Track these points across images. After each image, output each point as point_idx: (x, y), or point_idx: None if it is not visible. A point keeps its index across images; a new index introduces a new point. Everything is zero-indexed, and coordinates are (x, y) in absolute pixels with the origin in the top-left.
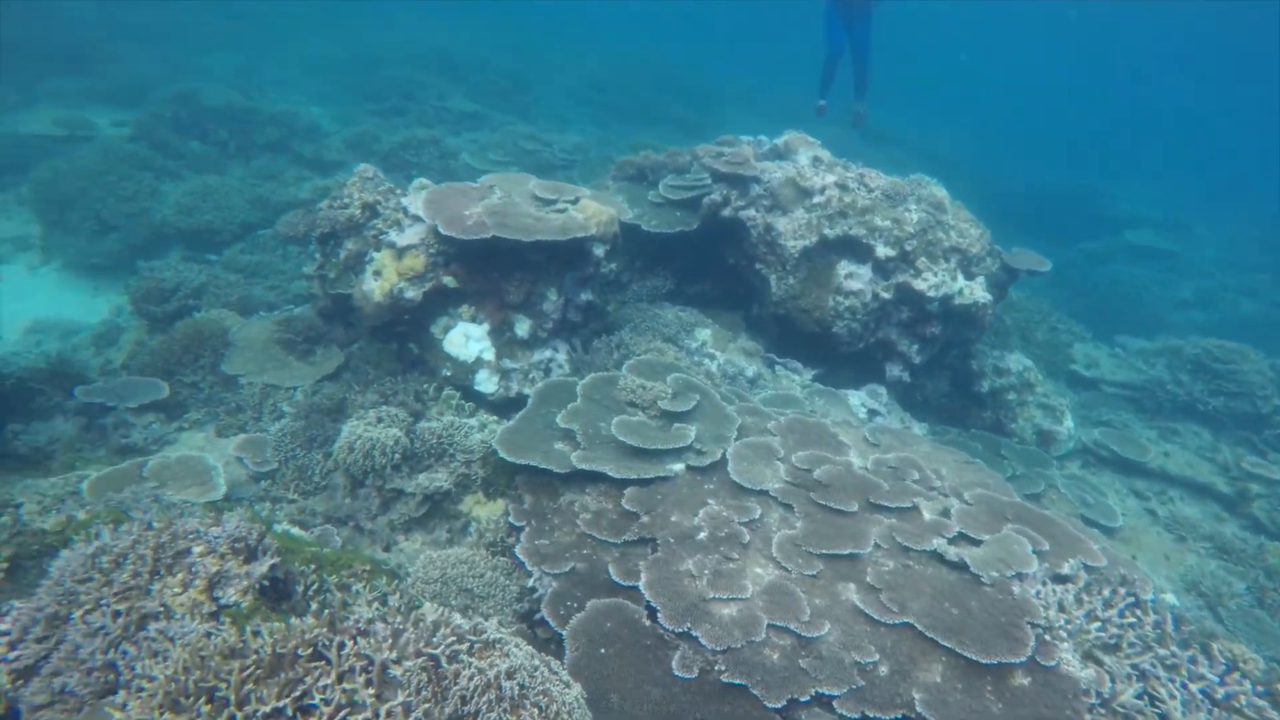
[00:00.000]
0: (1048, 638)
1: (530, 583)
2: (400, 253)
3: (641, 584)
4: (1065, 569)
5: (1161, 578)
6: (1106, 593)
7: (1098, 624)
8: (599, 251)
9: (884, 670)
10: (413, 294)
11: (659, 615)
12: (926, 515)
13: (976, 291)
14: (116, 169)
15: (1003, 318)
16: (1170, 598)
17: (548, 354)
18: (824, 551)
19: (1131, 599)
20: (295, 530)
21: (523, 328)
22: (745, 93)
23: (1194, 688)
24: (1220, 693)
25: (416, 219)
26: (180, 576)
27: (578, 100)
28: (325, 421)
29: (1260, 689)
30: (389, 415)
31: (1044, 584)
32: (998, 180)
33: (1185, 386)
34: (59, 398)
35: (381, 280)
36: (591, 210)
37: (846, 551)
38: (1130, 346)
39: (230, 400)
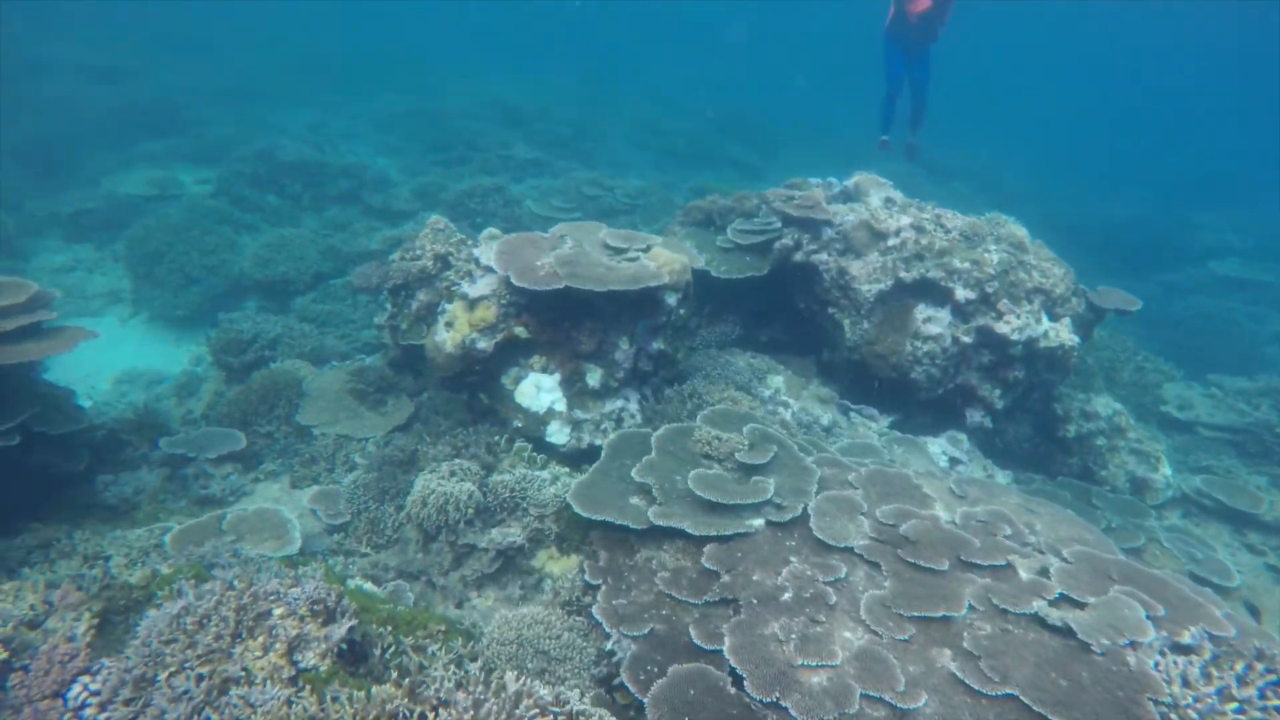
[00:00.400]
0: (1174, 717)
1: (608, 645)
2: (472, 304)
3: (725, 648)
4: (1186, 638)
5: None
6: (1240, 667)
7: (1235, 705)
8: (671, 300)
9: None
10: (484, 345)
11: (745, 683)
12: (1023, 574)
13: (1062, 333)
14: (199, 224)
15: (1085, 358)
16: None
17: (619, 404)
18: (915, 614)
19: (1272, 676)
20: (368, 586)
21: (594, 377)
22: (805, 133)
23: None
24: None
25: (488, 270)
26: (261, 640)
27: (636, 145)
28: (397, 474)
29: None
30: (462, 469)
31: (1163, 654)
32: (1068, 212)
33: None
34: (144, 448)
35: (454, 331)
36: (664, 259)
37: (940, 614)
38: (1227, 385)
39: (304, 451)
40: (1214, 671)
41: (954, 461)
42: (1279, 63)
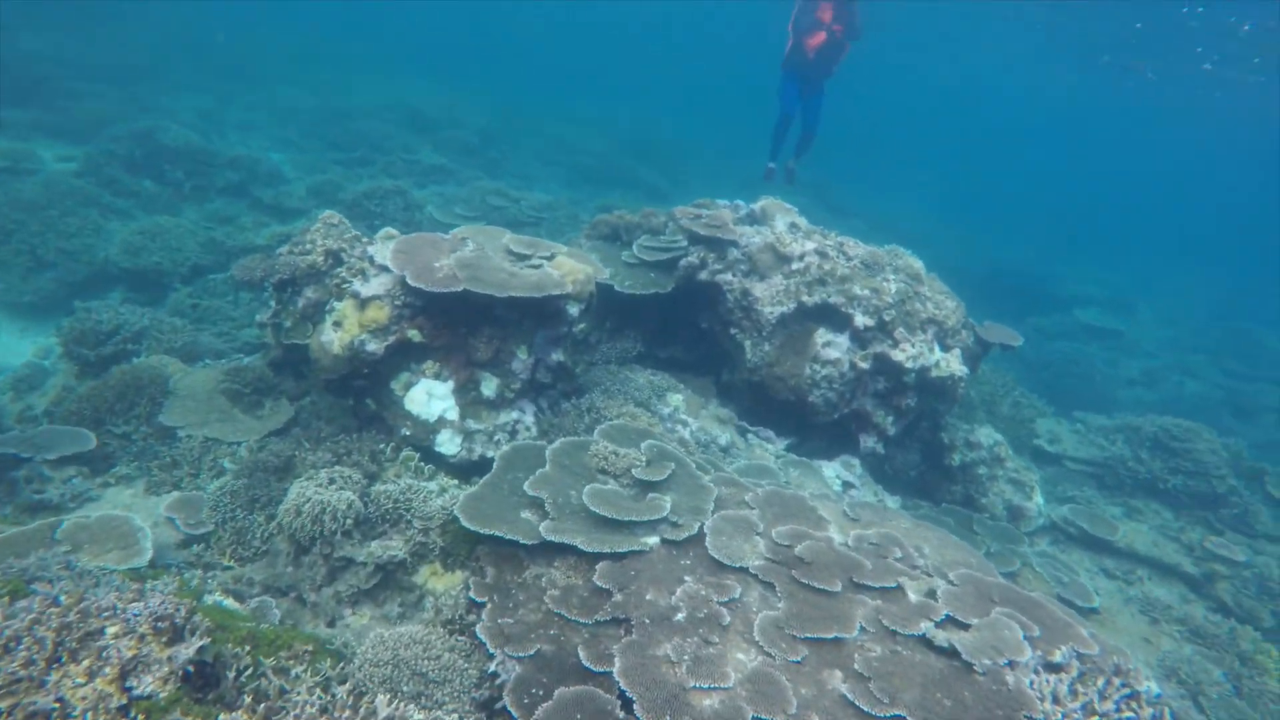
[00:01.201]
0: None
1: (492, 667)
2: (364, 303)
3: (615, 670)
4: (1057, 657)
5: (1140, 663)
6: (1100, 683)
7: (1096, 718)
8: (574, 310)
9: None
10: (374, 347)
11: (635, 706)
12: (912, 596)
13: (953, 364)
14: (58, 203)
15: (969, 391)
16: (1154, 685)
17: (514, 415)
18: (808, 635)
19: (1127, 690)
20: (229, 602)
21: (489, 387)
22: (712, 159)
23: None
24: None
25: (383, 269)
26: (87, 663)
27: (545, 160)
28: (270, 480)
29: None
30: (342, 476)
31: (1036, 673)
32: (955, 255)
33: (1146, 464)
34: None
35: (342, 331)
36: (568, 268)
37: (832, 635)
38: (1091, 423)
39: (166, 454)
40: (1079, 688)
41: (847, 485)
42: (1141, 132)
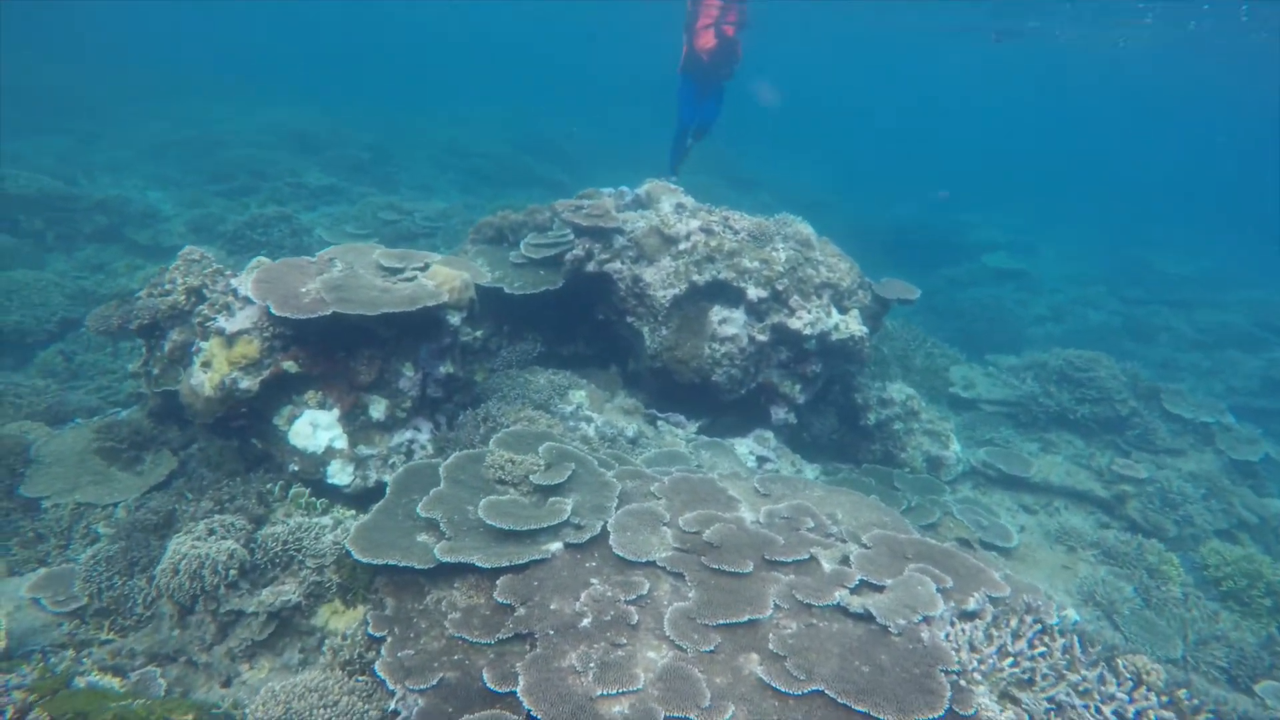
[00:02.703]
0: (963, 683)
1: (392, 704)
2: (231, 339)
3: (520, 689)
4: (971, 604)
5: (1061, 592)
6: (1014, 624)
7: (1010, 659)
8: (454, 320)
9: None
10: (248, 384)
11: None
12: (826, 565)
13: (852, 325)
14: None
15: (880, 348)
16: (1071, 613)
17: (409, 435)
18: (721, 622)
19: (1038, 626)
20: (105, 681)
21: (378, 409)
22: (615, 150)
23: (1107, 710)
24: (1131, 711)
25: (249, 301)
26: None
27: (442, 167)
28: (150, 540)
29: (1164, 699)
30: (223, 525)
31: (952, 624)
32: (863, 217)
33: (1055, 397)
34: None
35: (212, 372)
36: (443, 276)
37: (745, 619)
38: (1001, 364)
39: (27, 529)
40: (994, 632)
41: (762, 460)
42: (1027, 87)
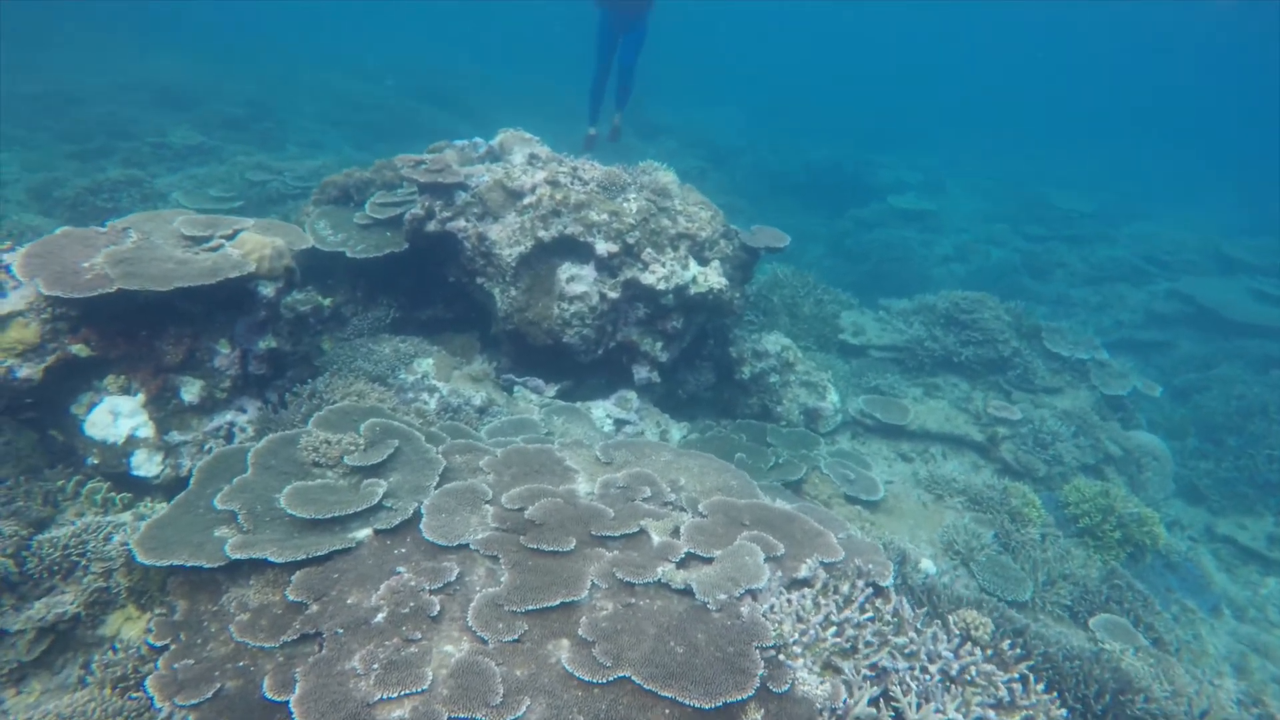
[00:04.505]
0: (781, 657)
1: None
2: (2, 322)
3: (291, 699)
4: (803, 572)
5: (924, 542)
6: (845, 589)
7: (834, 629)
8: (268, 291)
9: None
10: (29, 372)
11: None
12: (655, 539)
13: (711, 277)
14: None
15: (769, 296)
16: (928, 563)
17: (229, 417)
18: (530, 607)
19: (871, 589)
20: None
21: (191, 391)
22: (522, 95)
23: (933, 668)
24: (955, 668)
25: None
26: None
27: (332, 122)
28: None
29: (989, 652)
30: None
31: (780, 595)
32: (775, 161)
33: (940, 341)
34: None
35: None
36: (251, 244)
37: (558, 602)
38: (893, 308)
39: None
40: (822, 600)
41: (621, 423)
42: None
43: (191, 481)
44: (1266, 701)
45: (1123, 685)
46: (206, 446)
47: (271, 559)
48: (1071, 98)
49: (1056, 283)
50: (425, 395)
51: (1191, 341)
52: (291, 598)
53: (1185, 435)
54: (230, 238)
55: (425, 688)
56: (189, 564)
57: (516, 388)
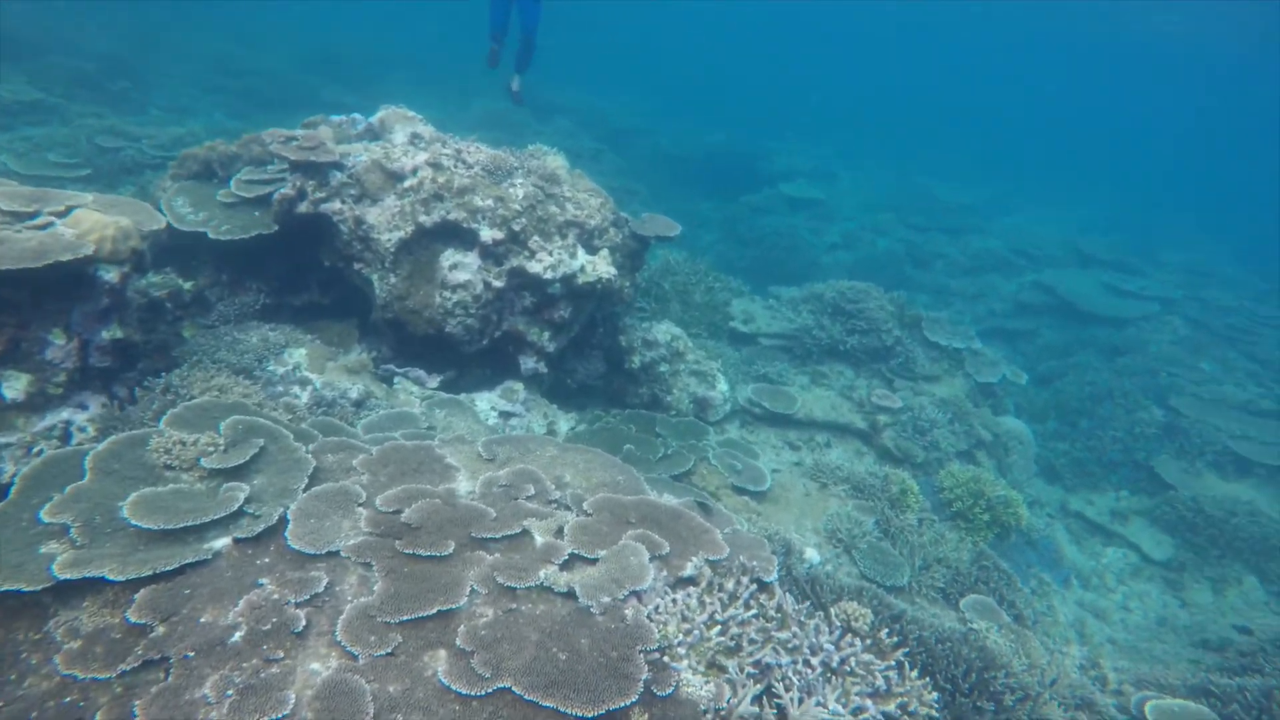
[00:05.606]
0: (666, 659)
1: None
2: None
3: None
4: (688, 570)
5: (809, 531)
6: (730, 586)
7: (718, 628)
8: (110, 276)
9: None
10: None
11: None
12: (539, 539)
13: (600, 266)
14: None
15: (661, 283)
16: (812, 553)
17: (65, 416)
18: (404, 618)
19: (755, 585)
20: None
21: (15, 387)
22: (422, 71)
23: (815, 661)
24: (835, 659)
25: None
26: None
27: (206, 88)
28: None
29: (868, 642)
30: None
31: (665, 595)
32: (673, 145)
33: (827, 330)
34: None
35: None
36: (90, 223)
37: (434, 610)
38: (783, 296)
39: None
40: (706, 599)
41: (506, 416)
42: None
43: (12, 491)
44: (1102, 664)
45: (987, 663)
46: (35, 449)
47: (110, 577)
48: (959, 93)
49: (937, 273)
50: (296, 389)
51: (1053, 330)
52: (133, 619)
53: (1046, 419)
54: (63, 214)
55: (287, 713)
56: (4, 587)
57: (397, 379)
